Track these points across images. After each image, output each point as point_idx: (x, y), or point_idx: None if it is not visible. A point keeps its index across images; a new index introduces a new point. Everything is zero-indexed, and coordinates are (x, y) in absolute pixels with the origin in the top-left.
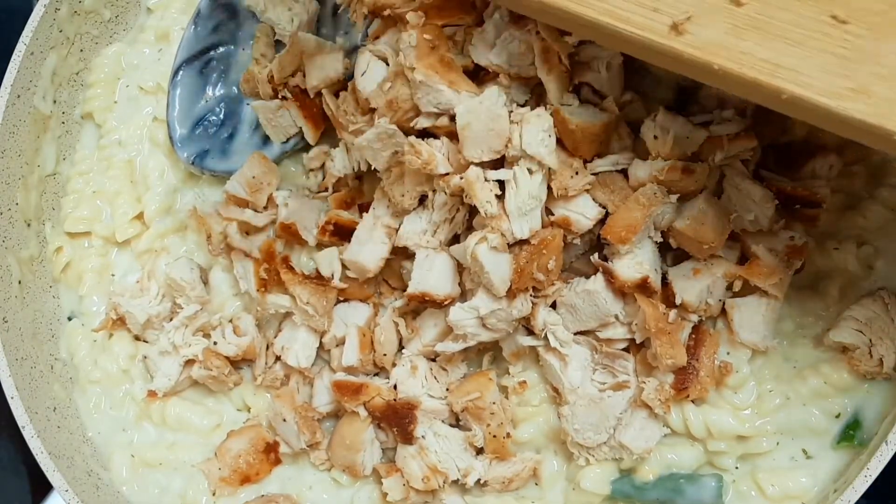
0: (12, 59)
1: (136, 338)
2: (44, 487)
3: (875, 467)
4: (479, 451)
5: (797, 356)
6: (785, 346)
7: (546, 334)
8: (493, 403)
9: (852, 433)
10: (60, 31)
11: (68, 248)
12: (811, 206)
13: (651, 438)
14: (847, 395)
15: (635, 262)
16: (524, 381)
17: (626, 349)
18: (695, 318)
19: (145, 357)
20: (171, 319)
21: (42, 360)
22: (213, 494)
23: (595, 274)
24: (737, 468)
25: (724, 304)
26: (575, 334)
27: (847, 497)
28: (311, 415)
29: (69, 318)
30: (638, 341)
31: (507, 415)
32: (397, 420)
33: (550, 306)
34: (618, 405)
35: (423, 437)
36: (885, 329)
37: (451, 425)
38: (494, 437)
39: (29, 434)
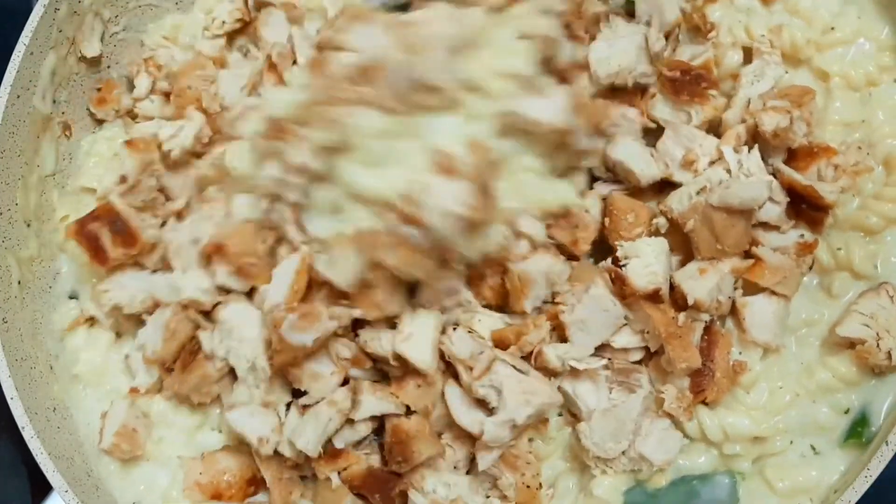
0: (12, 59)
1: (118, 334)
2: (44, 488)
3: (875, 468)
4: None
5: (804, 353)
6: (792, 343)
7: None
8: (529, 452)
9: (860, 430)
10: (60, 31)
11: (74, 216)
12: (817, 210)
13: (671, 449)
14: (855, 390)
15: (649, 272)
16: (546, 420)
17: (639, 361)
18: (706, 317)
19: (127, 356)
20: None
21: (42, 360)
22: (183, 492)
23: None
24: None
25: (734, 301)
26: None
27: (847, 497)
28: (286, 476)
29: (70, 297)
30: (652, 349)
31: (539, 464)
32: (379, 487)
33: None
34: (633, 408)
35: (433, 490)
36: (891, 322)
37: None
38: (528, 487)
39: (29, 434)
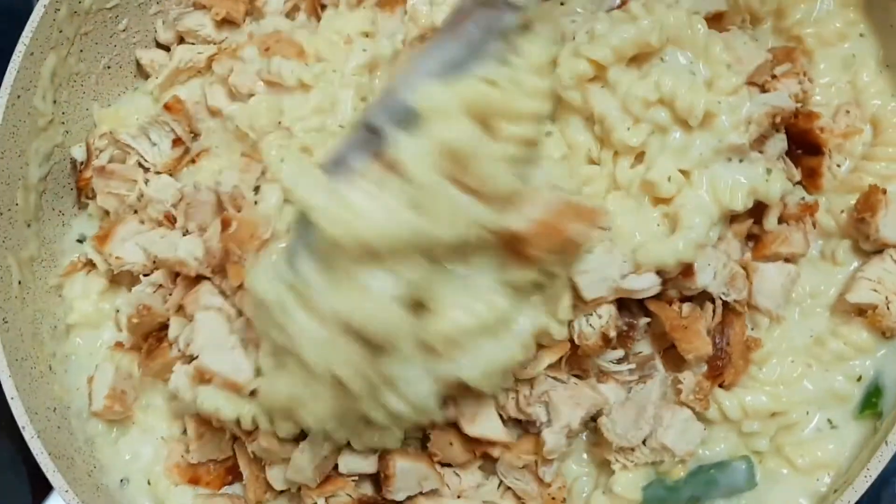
0: (12, 60)
1: (111, 281)
2: (44, 488)
3: (875, 468)
4: None
5: (813, 324)
6: (796, 314)
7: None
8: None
9: (875, 401)
10: (60, 32)
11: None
12: (813, 153)
13: (693, 440)
14: (868, 357)
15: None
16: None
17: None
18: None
19: (118, 311)
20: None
21: (42, 360)
22: (163, 472)
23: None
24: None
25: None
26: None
27: (847, 497)
28: (264, 475)
29: (78, 241)
30: (658, 349)
31: (564, 478)
32: None
33: None
34: (651, 391)
35: None
36: None
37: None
38: (553, 499)
39: (29, 434)
